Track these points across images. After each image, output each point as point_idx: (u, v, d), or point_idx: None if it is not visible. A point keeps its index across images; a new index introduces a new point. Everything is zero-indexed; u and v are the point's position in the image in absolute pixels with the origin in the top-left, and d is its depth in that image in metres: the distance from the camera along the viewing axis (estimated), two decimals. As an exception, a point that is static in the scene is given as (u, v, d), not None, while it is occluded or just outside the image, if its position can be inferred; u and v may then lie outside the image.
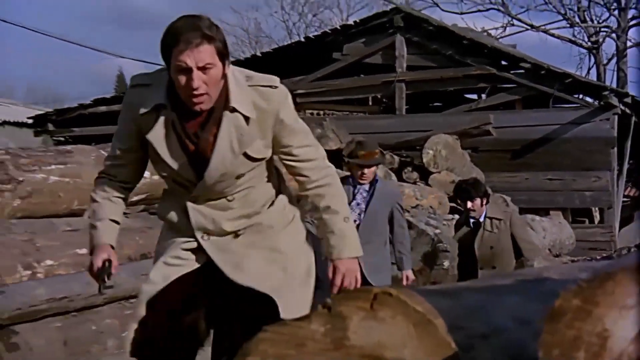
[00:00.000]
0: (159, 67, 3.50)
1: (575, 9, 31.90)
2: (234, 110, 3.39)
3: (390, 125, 17.45)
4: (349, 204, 6.20)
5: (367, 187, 6.52)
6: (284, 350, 2.06)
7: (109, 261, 3.43)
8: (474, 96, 20.25)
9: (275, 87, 3.47)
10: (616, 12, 31.29)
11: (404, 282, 6.48)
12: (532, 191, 17.36)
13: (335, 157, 12.63)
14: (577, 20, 31.94)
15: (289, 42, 23.50)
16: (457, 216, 10.52)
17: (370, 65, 19.08)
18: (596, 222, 18.34)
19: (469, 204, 7.05)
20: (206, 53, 3.21)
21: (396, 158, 14.36)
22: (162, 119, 3.39)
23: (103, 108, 19.86)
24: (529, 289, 2.57)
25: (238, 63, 20.60)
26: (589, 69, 32.03)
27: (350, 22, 21.53)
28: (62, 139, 19.94)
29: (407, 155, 15.01)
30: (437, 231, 8.32)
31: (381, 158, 6.81)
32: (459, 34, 18.80)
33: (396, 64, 18.57)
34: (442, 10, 31.99)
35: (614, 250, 15.31)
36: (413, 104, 19.16)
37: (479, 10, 32.12)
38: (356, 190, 6.49)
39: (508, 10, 31.69)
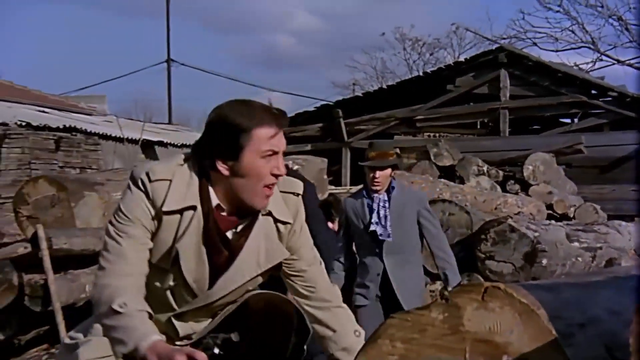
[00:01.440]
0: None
1: (657, 45, 30.83)
2: (268, 214, 2.41)
3: (496, 145, 17.19)
4: (368, 217, 4.87)
5: (385, 197, 4.83)
6: (409, 335, 2.04)
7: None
8: (568, 120, 19.76)
9: (298, 194, 2.49)
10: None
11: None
12: (619, 200, 16.75)
13: (449, 172, 12.69)
14: (659, 55, 30.82)
15: (410, 76, 23.36)
16: (553, 222, 10.25)
17: (478, 95, 18.87)
18: (676, 227, 17.62)
19: (330, 225, 5.71)
20: None
21: (501, 173, 14.17)
22: (193, 223, 2.30)
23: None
24: (620, 284, 2.48)
25: (368, 95, 20.76)
26: (669, 96, 30.88)
27: (462, 59, 21.37)
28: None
29: (510, 170, 14.78)
30: (536, 234, 8.07)
31: (396, 160, 4.90)
32: (554, 68, 18.43)
33: (500, 93, 18.32)
34: (540, 48, 31.16)
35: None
36: (515, 127, 18.84)
37: (572, 48, 31.26)
38: (374, 203, 4.84)
39: (597, 48, 30.73)
